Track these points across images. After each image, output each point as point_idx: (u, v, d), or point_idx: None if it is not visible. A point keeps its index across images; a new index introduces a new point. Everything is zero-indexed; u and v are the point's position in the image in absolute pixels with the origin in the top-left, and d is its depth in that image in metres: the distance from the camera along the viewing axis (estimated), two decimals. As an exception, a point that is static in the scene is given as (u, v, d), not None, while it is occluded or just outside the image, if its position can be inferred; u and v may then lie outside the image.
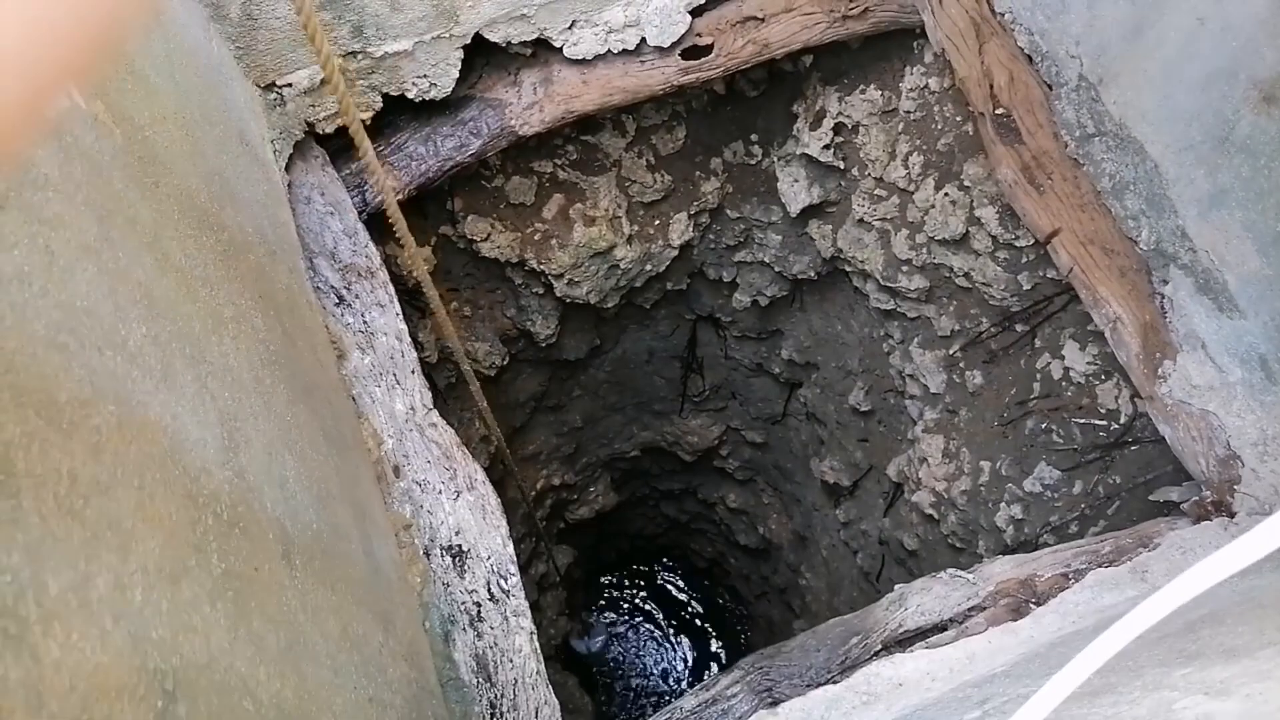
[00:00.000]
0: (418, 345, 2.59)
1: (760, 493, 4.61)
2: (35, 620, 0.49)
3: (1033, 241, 2.09)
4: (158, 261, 0.87)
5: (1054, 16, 1.80)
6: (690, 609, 6.51)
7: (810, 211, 2.67)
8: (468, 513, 1.78)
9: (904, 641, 1.79)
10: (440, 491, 1.77)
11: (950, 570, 1.83)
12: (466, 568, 1.75)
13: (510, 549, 1.79)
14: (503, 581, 1.75)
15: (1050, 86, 1.88)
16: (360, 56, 1.74)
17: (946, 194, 2.28)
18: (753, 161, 2.77)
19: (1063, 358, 2.17)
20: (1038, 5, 1.83)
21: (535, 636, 1.74)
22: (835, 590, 3.82)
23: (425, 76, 1.84)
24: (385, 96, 1.85)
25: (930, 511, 2.67)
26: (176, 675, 0.62)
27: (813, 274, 2.93)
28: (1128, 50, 1.66)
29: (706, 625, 6.45)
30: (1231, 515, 1.64)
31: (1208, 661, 0.89)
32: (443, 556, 1.74)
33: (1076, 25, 1.76)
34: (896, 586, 1.89)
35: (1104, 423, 2.11)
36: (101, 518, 0.59)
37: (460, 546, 1.76)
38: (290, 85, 1.72)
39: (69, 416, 0.60)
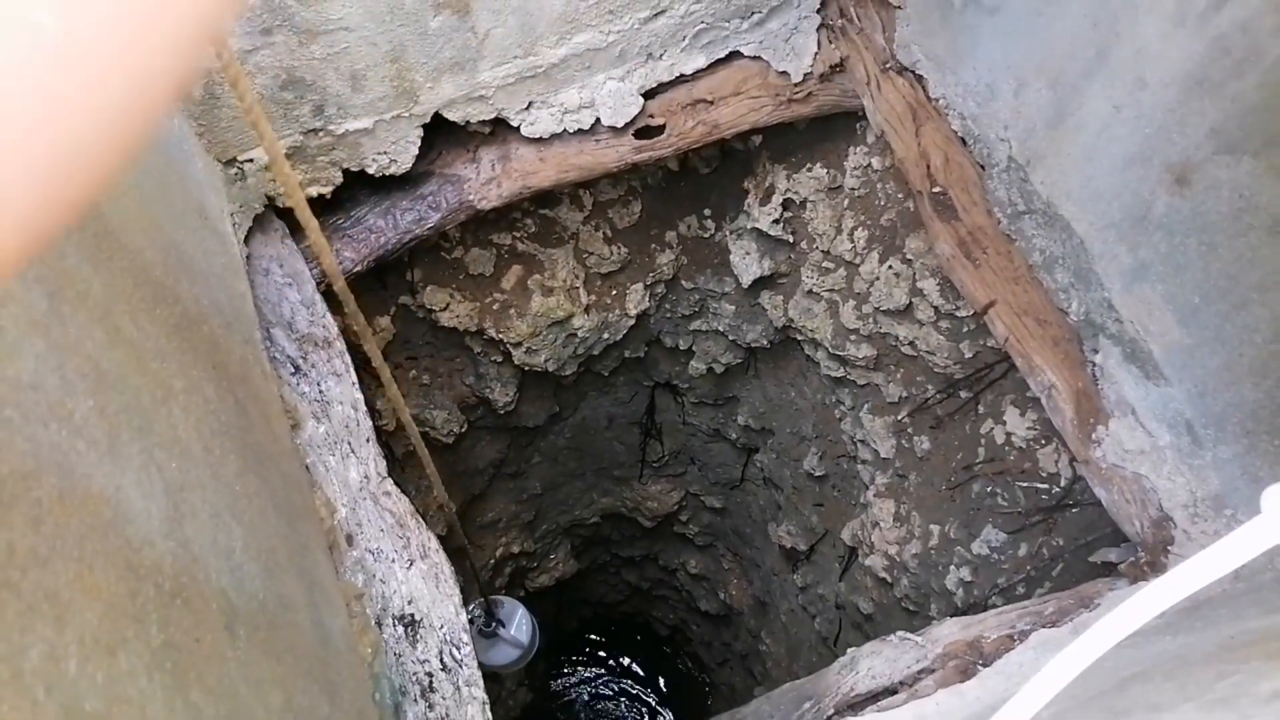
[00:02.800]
0: (375, 413, 2.60)
1: (720, 558, 4.61)
2: (-31, 690, 0.50)
3: (972, 312, 2.17)
4: (108, 335, 0.90)
5: (984, 103, 1.91)
6: (653, 677, 6.42)
7: (762, 283, 2.75)
8: (420, 582, 1.78)
9: (856, 705, 1.80)
10: (393, 560, 1.77)
11: (900, 633, 1.86)
12: (419, 637, 1.74)
13: (463, 618, 1.79)
14: (455, 651, 1.75)
15: (983, 167, 1.98)
16: (321, 134, 1.79)
17: (890, 266, 2.37)
18: (706, 235, 2.85)
19: (1004, 423, 2.24)
20: (969, 92, 1.94)
21: (488, 706, 1.73)
22: (794, 656, 3.81)
23: (385, 153, 1.90)
24: (345, 172, 1.90)
25: (884, 575, 2.70)
26: (110, 746, 0.63)
27: (766, 342, 3.00)
28: (1051, 134, 1.76)
29: (670, 694, 6.36)
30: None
31: (1132, 718, 0.93)
32: (395, 626, 1.73)
33: (1004, 111, 1.86)
34: (848, 650, 1.91)
35: (1045, 486, 2.17)
36: (38, 589, 0.60)
37: (413, 616, 1.76)
38: (251, 161, 1.76)
39: (10, 489, 0.61)
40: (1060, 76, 1.68)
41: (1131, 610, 0.67)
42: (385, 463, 1.84)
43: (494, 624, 2.88)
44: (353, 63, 1.66)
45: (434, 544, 1.80)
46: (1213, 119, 1.41)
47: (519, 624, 2.98)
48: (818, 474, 3.17)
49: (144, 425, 0.91)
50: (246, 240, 1.79)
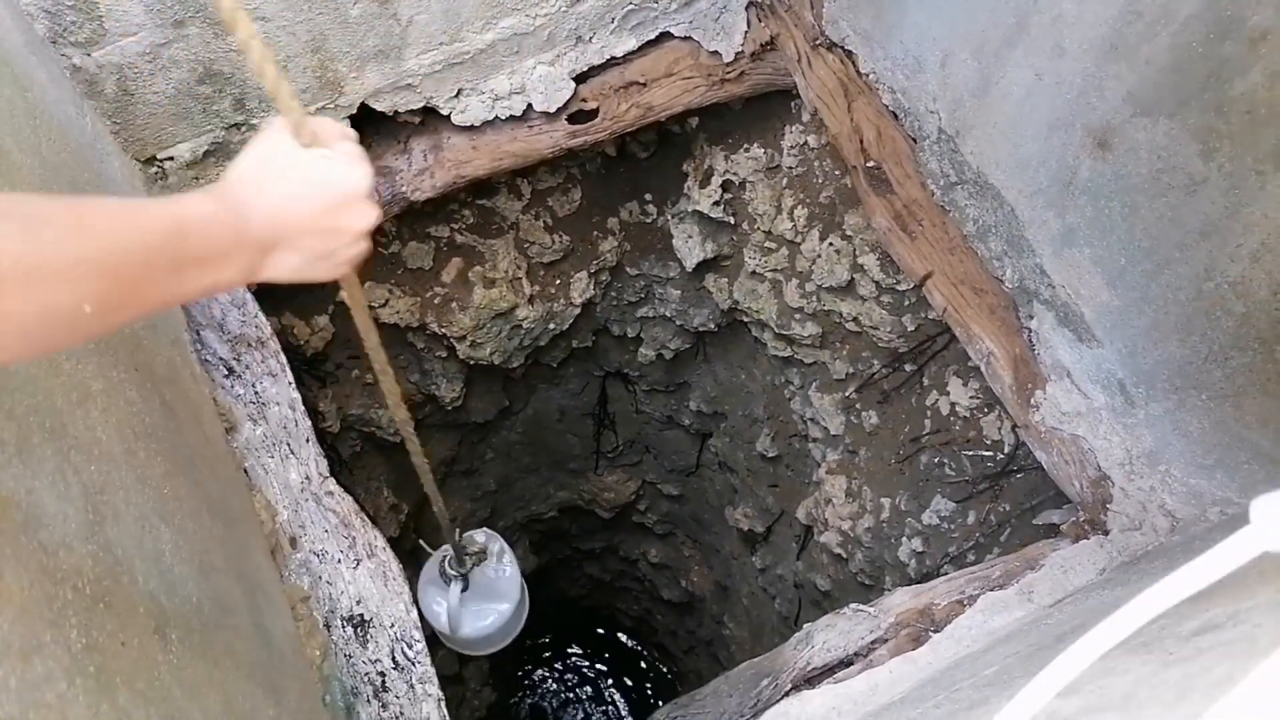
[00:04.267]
0: (318, 415, 2.55)
1: (680, 545, 4.62)
2: None
3: (912, 285, 2.19)
4: (15, 335, 0.86)
5: (912, 75, 1.93)
6: (620, 670, 6.42)
7: (706, 265, 2.76)
8: (369, 581, 1.75)
9: (813, 679, 1.82)
10: (339, 561, 1.74)
11: (853, 605, 1.87)
12: (369, 637, 1.71)
13: (414, 614, 1.77)
14: (407, 649, 1.72)
15: (915, 140, 2.00)
16: (244, 128, 1.75)
17: (831, 244, 2.39)
18: (648, 220, 2.85)
19: (948, 393, 2.27)
20: (897, 66, 1.96)
21: (444, 703, 1.71)
22: (757, 638, 3.84)
23: (312, 146, 1.86)
24: (272, 167, 1.85)
25: (839, 551, 2.72)
26: (25, 753, 0.60)
27: (713, 326, 3.01)
28: (978, 104, 1.79)
29: (637, 686, 6.37)
30: (1106, 533, 1.73)
31: (1067, 667, 0.94)
32: (344, 627, 1.70)
33: (932, 83, 1.88)
34: (804, 625, 1.93)
35: (990, 453, 2.21)
36: (-61, 593, 0.58)
37: (362, 616, 1.73)
38: (172, 159, 1.71)
39: (-96, 492, 0.59)
40: (983, 46, 1.70)
41: (1118, 623, 0.66)
42: (327, 463, 1.81)
43: (468, 571, 2.06)
44: (272, 54, 1.62)
45: (381, 542, 1.77)
46: (1129, 82, 1.44)
47: (501, 572, 2.11)
48: (771, 455, 3.19)
49: (58, 427, 0.88)
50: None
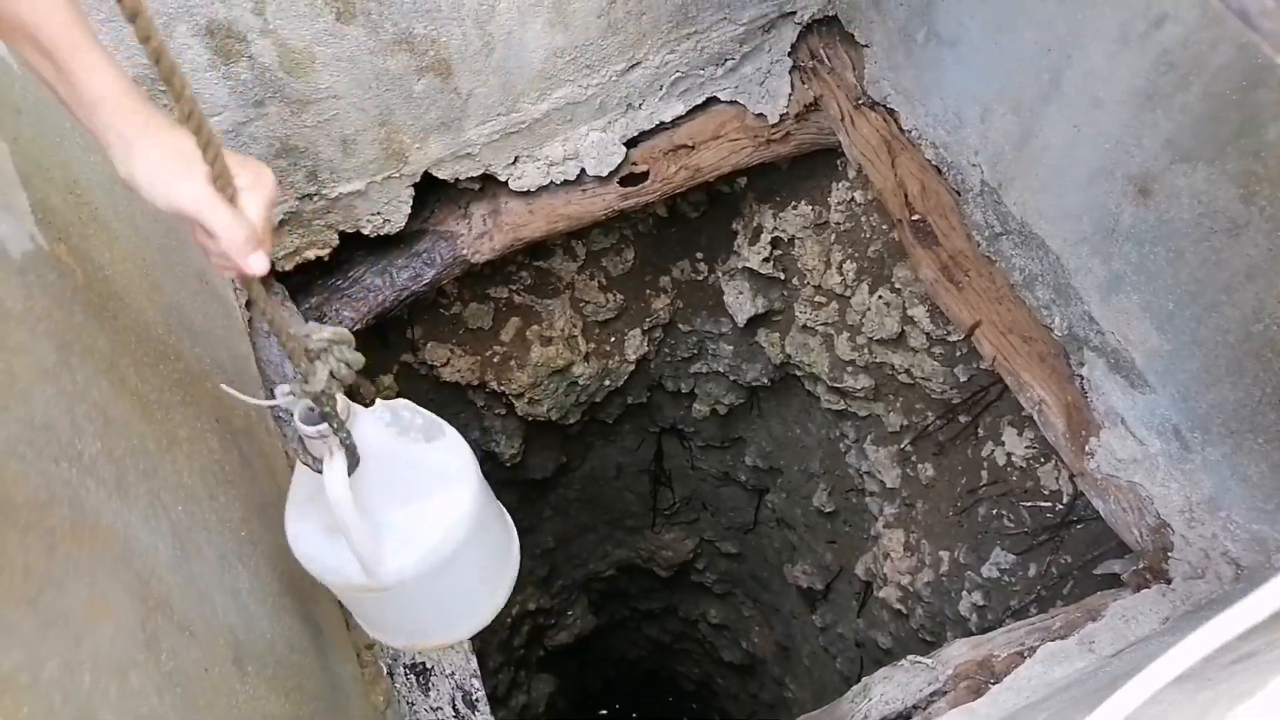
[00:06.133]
0: (383, 471, 2.63)
1: (740, 605, 4.57)
2: (-13, 694, 0.54)
3: (962, 336, 2.21)
4: (114, 385, 0.95)
5: (953, 131, 1.98)
6: (681, 736, 6.30)
7: (757, 321, 2.81)
8: (430, 629, 1.80)
9: (871, 733, 1.80)
10: (402, 609, 1.80)
11: (911, 657, 1.86)
12: (431, 685, 1.75)
13: (474, 663, 1.81)
14: (466, 697, 1.76)
15: (958, 193, 2.04)
16: (316, 198, 1.87)
17: (880, 296, 2.42)
18: (699, 277, 2.92)
19: (1003, 444, 2.26)
20: (938, 122, 2.02)
21: (502, 753, 1.73)
22: (820, 700, 3.76)
23: (379, 214, 1.98)
24: (341, 234, 1.97)
25: (899, 607, 2.69)
26: (121, 758, 0.66)
27: (766, 380, 3.04)
28: (1019, 157, 1.82)
29: (699, 752, 6.23)
30: (1168, 581, 1.70)
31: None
32: (406, 675, 1.75)
33: (973, 138, 1.93)
34: (862, 679, 1.91)
35: (1049, 504, 2.18)
36: (53, 608, 0.64)
37: (424, 664, 1.77)
38: (251, 228, 1.84)
39: (26, 517, 0.66)
40: (1021, 101, 1.74)
41: (1185, 650, 0.66)
42: (392, 513, 1.87)
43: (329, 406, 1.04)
44: (343, 128, 1.75)
45: (442, 590, 1.82)
46: (1166, 130, 1.47)
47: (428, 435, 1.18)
48: (828, 510, 3.18)
49: (150, 469, 0.96)
50: (247, 304, 1.86)
